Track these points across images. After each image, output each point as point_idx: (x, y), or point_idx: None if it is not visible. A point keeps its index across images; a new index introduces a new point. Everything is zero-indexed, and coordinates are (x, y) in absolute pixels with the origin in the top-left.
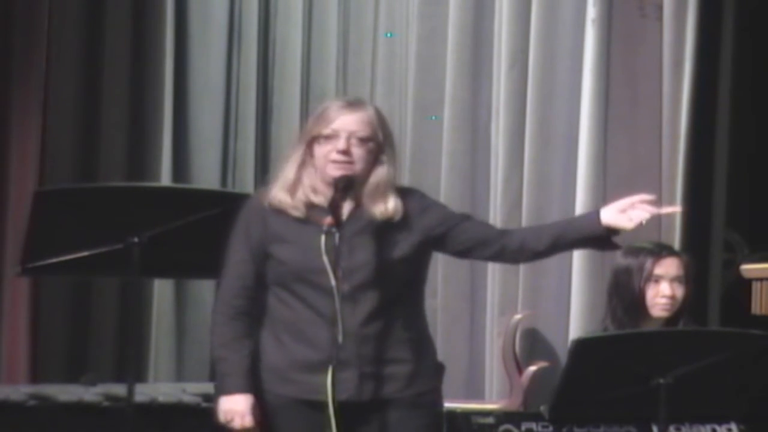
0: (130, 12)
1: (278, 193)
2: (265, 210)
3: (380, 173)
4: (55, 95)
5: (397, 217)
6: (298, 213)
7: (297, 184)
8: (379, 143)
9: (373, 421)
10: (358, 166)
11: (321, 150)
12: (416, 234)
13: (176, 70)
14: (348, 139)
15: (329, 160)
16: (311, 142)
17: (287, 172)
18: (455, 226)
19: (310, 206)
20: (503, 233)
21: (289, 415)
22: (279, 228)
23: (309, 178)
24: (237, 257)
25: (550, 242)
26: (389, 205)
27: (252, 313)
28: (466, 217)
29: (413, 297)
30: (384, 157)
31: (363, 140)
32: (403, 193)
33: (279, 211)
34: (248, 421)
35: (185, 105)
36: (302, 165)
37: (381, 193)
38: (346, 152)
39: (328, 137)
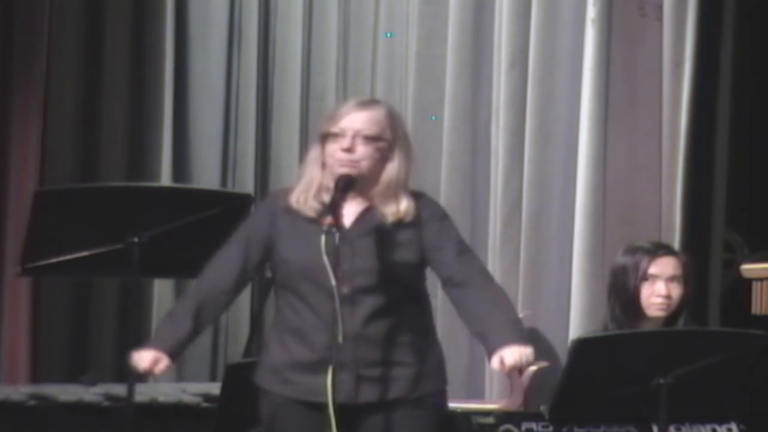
0: (130, 12)
1: (296, 194)
2: (277, 207)
3: (390, 172)
4: (55, 95)
5: (408, 218)
6: (312, 213)
7: (313, 184)
8: (389, 142)
9: (374, 424)
10: (363, 165)
11: (328, 148)
12: (420, 239)
13: (176, 70)
14: (353, 137)
15: (335, 159)
16: (323, 140)
17: (305, 171)
18: (437, 252)
19: (323, 206)
20: (465, 283)
21: (289, 415)
22: (286, 227)
23: (325, 178)
24: (229, 244)
25: (471, 329)
26: (401, 206)
27: (216, 302)
28: (455, 251)
29: (416, 299)
30: (395, 157)
31: (369, 139)
32: (418, 197)
33: (291, 211)
34: (143, 362)
35: (185, 105)
36: (318, 164)
37: (392, 192)
38: (349, 150)
39: (336, 135)
